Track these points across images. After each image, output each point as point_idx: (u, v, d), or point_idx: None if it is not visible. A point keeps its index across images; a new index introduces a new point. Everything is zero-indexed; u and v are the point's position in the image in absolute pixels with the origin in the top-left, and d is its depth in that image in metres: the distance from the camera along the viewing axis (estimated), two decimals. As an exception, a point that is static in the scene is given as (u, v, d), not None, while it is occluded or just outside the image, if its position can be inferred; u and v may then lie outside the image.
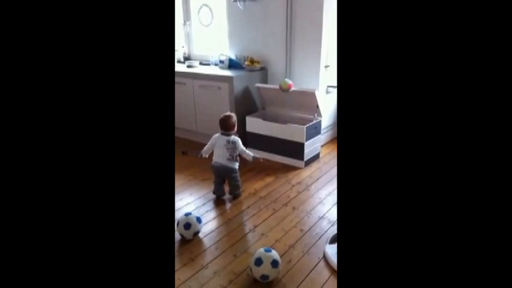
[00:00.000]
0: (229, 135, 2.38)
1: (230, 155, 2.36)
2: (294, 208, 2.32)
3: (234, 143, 2.37)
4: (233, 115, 2.43)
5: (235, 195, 2.43)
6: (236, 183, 2.43)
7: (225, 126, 2.38)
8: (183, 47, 4.00)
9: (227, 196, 2.46)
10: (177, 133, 3.65)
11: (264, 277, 1.61)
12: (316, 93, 2.88)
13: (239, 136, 3.13)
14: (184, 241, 1.97)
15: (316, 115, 3.00)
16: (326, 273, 1.72)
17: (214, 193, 2.44)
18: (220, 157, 2.37)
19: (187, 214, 1.99)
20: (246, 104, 3.25)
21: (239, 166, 2.45)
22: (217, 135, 2.39)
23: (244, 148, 2.42)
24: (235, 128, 2.43)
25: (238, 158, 2.42)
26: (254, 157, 2.43)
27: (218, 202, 2.41)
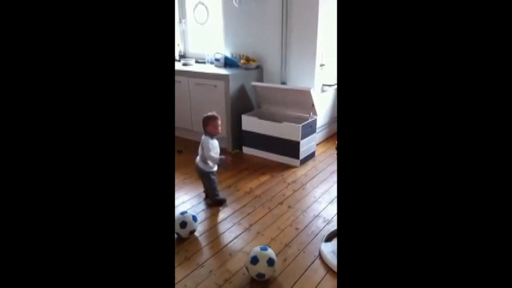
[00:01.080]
0: (205, 135, 2.28)
1: (200, 156, 2.30)
2: (289, 206, 2.33)
3: (202, 144, 2.27)
4: (211, 115, 2.27)
5: (212, 201, 2.37)
6: (209, 189, 2.35)
7: (203, 126, 2.31)
8: (178, 45, 3.98)
9: (221, 196, 2.46)
10: (173, 132, 3.64)
11: (260, 275, 1.62)
12: (312, 91, 2.89)
13: (236, 136, 3.12)
14: (180, 239, 1.97)
15: (311, 113, 3.01)
16: (322, 271, 1.73)
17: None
18: (198, 157, 2.35)
19: (182, 213, 1.99)
20: (242, 102, 3.24)
21: (213, 171, 2.33)
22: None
23: (209, 153, 2.23)
24: (209, 129, 2.26)
25: (205, 160, 2.29)
26: (220, 159, 2.25)
27: (214, 201, 2.41)
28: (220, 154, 2.32)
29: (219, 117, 2.30)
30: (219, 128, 2.29)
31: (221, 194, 2.42)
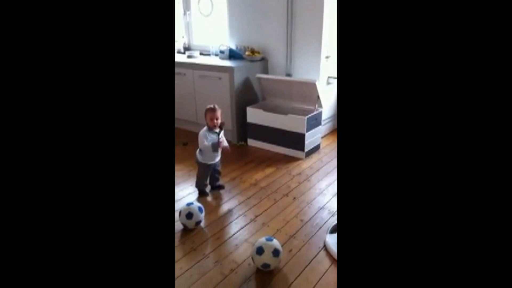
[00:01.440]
0: (206, 127, 2.30)
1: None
2: (294, 198, 2.33)
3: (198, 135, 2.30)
4: (208, 107, 2.26)
5: (196, 187, 2.43)
6: (197, 178, 2.41)
7: None
8: (183, 37, 3.97)
9: (227, 188, 2.48)
10: (178, 124, 3.65)
11: (266, 265, 1.63)
12: (317, 83, 2.88)
13: (241, 128, 3.12)
14: (186, 230, 1.99)
15: (316, 106, 3.00)
16: (326, 262, 1.74)
17: None
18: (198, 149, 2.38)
19: (189, 204, 2.00)
20: (247, 94, 3.24)
21: (208, 164, 2.33)
22: None
23: (204, 144, 2.24)
24: (206, 121, 2.27)
25: (201, 151, 2.32)
26: (213, 145, 2.24)
27: (219, 193, 2.42)
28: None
29: (218, 110, 2.25)
30: (216, 120, 2.23)
31: (220, 187, 2.44)
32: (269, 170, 2.74)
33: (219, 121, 2.26)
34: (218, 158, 2.36)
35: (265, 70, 3.38)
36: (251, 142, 3.20)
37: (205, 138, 2.25)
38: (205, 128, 2.28)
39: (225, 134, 2.36)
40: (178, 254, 1.81)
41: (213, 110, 2.24)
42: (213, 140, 2.25)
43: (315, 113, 2.95)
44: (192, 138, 3.27)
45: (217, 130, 2.26)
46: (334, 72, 3.31)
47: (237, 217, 2.13)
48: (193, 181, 2.55)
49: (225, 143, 2.34)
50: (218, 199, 2.36)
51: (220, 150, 2.32)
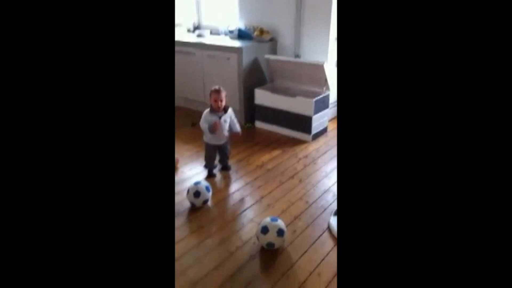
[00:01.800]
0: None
1: None
2: (300, 180, 2.37)
3: None
4: (212, 89, 2.26)
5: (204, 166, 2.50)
6: (204, 157, 2.46)
7: None
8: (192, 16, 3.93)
9: (234, 169, 2.52)
10: (187, 104, 3.67)
11: (270, 244, 1.68)
12: (325, 66, 2.86)
13: (249, 110, 3.12)
14: (193, 209, 2.04)
15: (324, 88, 2.99)
16: (330, 243, 1.78)
17: None
18: None
19: (196, 183, 2.05)
20: (255, 75, 3.23)
21: (211, 143, 2.37)
22: None
23: (203, 125, 2.29)
24: (210, 102, 2.28)
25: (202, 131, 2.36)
26: (209, 126, 2.26)
27: (227, 173, 2.47)
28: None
29: (223, 92, 2.24)
30: (220, 102, 2.22)
31: (232, 167, 2.49)
32: (275, 152, 2.76)
33: (223, 103, 2.25)
34: (223, 141, 2.37)
35: (274, 51, 3.36)
36: (259, 124, 3.22)
37: (204, 119, 2.27)
38: (208, 109, 2.30)
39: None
40: (185, 231, 1.86)
41: (217, 91, 2.24)
42: (211, 122, 2.25)
43: (322, 95, 2.95)
44: (200, 118, 3.30)
45: (220, 113, 2.27)
46: (343, 55, 3.27)
47: (243, 198, 2.18)
48: (201, 161, 2.60)
49: (236, 127, 2.36)
50: (225, 179, 2.40)
51: (221, 133, 2.30)
